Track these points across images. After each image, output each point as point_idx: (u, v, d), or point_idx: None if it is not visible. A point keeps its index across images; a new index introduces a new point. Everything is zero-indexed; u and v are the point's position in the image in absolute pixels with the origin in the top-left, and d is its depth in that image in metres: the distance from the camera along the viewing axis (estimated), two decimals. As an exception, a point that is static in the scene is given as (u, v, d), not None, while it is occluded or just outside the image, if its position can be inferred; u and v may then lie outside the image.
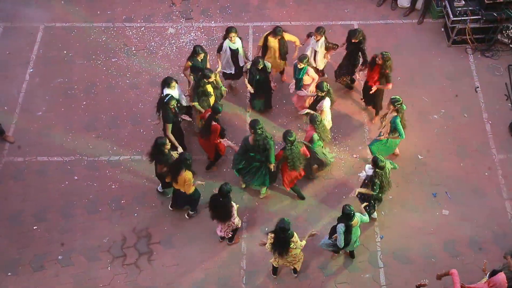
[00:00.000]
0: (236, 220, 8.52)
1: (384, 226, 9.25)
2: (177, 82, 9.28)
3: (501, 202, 9.49)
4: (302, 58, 9.34)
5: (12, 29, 11.64)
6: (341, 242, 7.97)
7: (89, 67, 11.12)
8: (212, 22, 11.78)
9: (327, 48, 9.94)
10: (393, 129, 9.00)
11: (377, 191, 8.50)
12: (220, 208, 8.25)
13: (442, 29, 11.58)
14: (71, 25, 11.73)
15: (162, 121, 9.09)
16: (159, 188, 9.50)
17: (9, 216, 9.37)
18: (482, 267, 8.09)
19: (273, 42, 9.76)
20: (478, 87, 10.79)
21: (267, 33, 9.85)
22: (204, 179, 9.07)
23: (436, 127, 10.31)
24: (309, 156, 8.92)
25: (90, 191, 9.65)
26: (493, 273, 7.28)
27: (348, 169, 9.86)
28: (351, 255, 8.87)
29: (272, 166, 8.87)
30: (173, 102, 8.86)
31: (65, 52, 11.33)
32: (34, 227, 9.28)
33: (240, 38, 9.81)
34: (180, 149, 9.16)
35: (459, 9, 10.87)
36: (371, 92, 9.70)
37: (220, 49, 9.82)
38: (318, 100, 9.27)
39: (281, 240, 7.71)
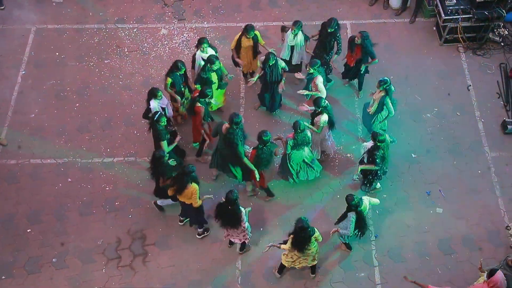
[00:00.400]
0: (246, 225, 8.34)
1: (379, 225, 9.28)
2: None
3: (494, 199, 9.55)
4: (313, 63, 9.18)
5: (4, 31, 11.57)
6: (351, 230, 8.12)
7: (81, 68, 11.09)
8: (205, 22, 11.77)
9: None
10: (381, 107, 9.30)
11: (380, 165, 8.64)
12: (229, 215, 8.10)
13: (434, 28, 11.63)
14: (63, 27, 11.68)
15: (153, 138, 8.93)
16: (160, 202, 9.25)
17: (2, 219, 9.32)
18: (477, 265, 8.10)
19: (248, 42, 9.75)
20: (470, 85, 10.85)
21: (239, 34, 9.78)
22: (211, 192, 8.95)
23: (429, 126, 10.35)
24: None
25: (84, 193, 9.62)
26: (491, 273, 7.28)
27: (342, 168, 9.87)
28: (348, 246, 8.93)
29: (245, 164, 8.83)
30: (163, 120, 8.67)
31: (57, 54, 11.28)
32: (28, 230, 9.23)
33: (213, 47, 9.74)
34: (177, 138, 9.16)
35: (450, 8, 10.92)
36: (361, 72, 10.06)
37: (194, 63, 9.62)
38: (316, 114, 9.14)
39: (302, 239, 7.74)
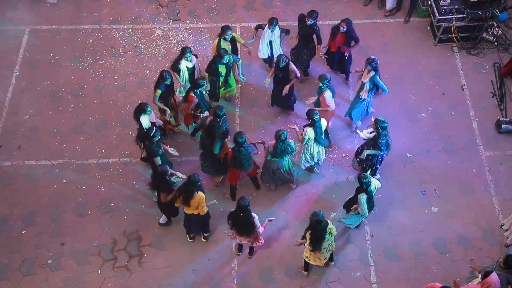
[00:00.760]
0: (261, 229, 8.24)
1: (374, 225, 9.30)
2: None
3: (489, 198, 9.59)
4: (323, 78, 9.04)
5: (-2, 32, 11.57)
6: (365, 211, 8.22)
7: (76, 69, 11.06)
8: (200, 23, 11.76)
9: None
10: (372, 88, 9.40)
11: (385, 150, 8.74)
12: (243, 223, 8.05)
13: (428, 28, 11.67)
14: (57, 27, 11.65)
15: (146, 154, 8.84)
16: (162, 220, 9.19)
17: (-3, 221, 9.31)
18: (470, 264, 8.12)
19: (227, 45, 9.73)
20: (464, 85, 10.89)
21: (217, 39, 9.72)
22: (215, 198, 8.83)
23: (424, 125, 10.39)
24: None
25: (79, 194, 9.59)
26: (486, 274, 7.30)
27: (337, 169, 9.89)
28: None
29: (220, 157, 8.98)
30: (158, 135, 8.59)
31: (51, 55, 11.25)
32: (23, 232, 9.20)
33: (195, 55, 9.71)
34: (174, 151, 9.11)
35: (444, 7, 10.95)
36: (346, 55, 10.19)
37: (176, 69, 9.53)
38: (305, 125, 9.02)
39: (319, 232, 7.80)
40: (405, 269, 8.89)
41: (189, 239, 9.08)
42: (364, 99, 9.57)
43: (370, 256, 9.04)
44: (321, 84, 9.11)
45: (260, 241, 8.48)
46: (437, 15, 10.97)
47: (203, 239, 9.07)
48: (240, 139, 8.40)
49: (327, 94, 9.17)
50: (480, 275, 7.46)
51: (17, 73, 11.00)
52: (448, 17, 10.94)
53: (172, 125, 9.89)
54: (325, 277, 8.82)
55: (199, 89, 9.17)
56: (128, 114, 10.43)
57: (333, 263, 8.85)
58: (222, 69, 9.56)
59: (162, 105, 9.40)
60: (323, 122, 8.91)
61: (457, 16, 10.92)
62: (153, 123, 9.00)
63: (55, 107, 10.57)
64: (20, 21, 11.72)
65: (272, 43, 10.10)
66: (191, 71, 9.67)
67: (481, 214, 9.42)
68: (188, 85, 9.63)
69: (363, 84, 9.42)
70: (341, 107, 10.36)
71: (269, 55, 10.36)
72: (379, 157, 8.99)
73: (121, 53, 11.30)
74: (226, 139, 8.97)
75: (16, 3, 11.97)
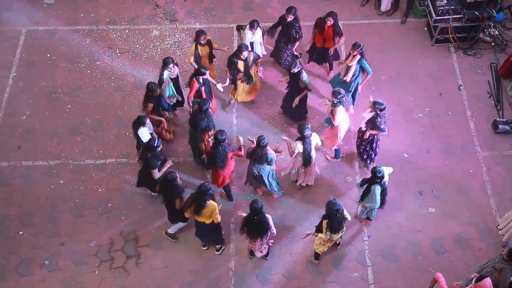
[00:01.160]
0: (274, 230, 8.20)
1: (371, 225, 9.30)
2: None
3: (486, 198, 9.60)
4: (336, 93, 8.82)
5: (-6, 33, 11.55)
6: (378, 202, 8.37)
7: (73, 70, 11.04)
8: (197, 23, 11.75)
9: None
10: (358, 72, 9.57)
11: (385, 128, 8.93)
12: (257, 226, 7.99)
13: (425, 28, 11.69)
14: (54, 28, 11.63)
15: (145, 165, 8.66)
16: (170, 230, 9.01)
17: (-6, 222, 9.29)
18: (468, 264, 8.12)
19: (204, 50, 9.70)
20: (461, 85, 10.91)
21: (194, 45, 9.64)
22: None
23: (421, 126, 10.40)
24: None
25: (76, 195, 9.58)
26: (480, 279, 7.31)
27: (335, 169, 9.89)
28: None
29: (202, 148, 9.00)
30: (160, 145, 8.55)
31: (48, 55, 11.23)
32: (20, 232, 9.18)
33: (176, 64, 9.64)
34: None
35: (441, 8, 10.97)
36: (330, 53, 10.29)
37: (161, 82, 9.42)
38: (297, 138, 8.83)
39: (338, 220, 7.89)
40: (402, 269, 8.90)
41: (203, 247, 9.02)
42: (349, 83, 9.70)
43: (368, 256, 9.04)
44: (335, 101, 8.88)
45: (271, 241, 8.46)
46: (434, 15, 10.99)
47: (216, 252, 8.98)
48: (220, 137, 8.42)
49: (339, 110, 8.91)
50: (474, 279, 7.48)
51: (14, 74, 10.98)
52: (445, 17, 10.96)
53: (165, 138, 9.77)
54: (323, 277, 8.83)
55: (202, 76, 9.22)
56: (125, 114, 10.45)
57: (338, 246, 8.99)
58: (240, 66, 9.54)
59: (154, 117, 9.28)
60: (314, 138, 8.77)
61: (454, 16, 10.94)
62: (151, 133, 8.95)
63: (52, 108, 10.55)
64: (17, 22, 11.70)
65: (254, 44, 10.05)
66: (175, 81, 9.60)
67: (478, 214, 9.43)
68: (173, 96, 9.64)
69: (348, 68, 9.55)
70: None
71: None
72: (378, 142, 9.22)
73: (118, 54, 11.29)
74: (209, 135, 8.96)
75: (13, 4, 11.95)
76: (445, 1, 11.02)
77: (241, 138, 8.89)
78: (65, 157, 9.98)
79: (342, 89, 8.96)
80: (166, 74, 9.40)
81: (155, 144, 8.44)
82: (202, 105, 8.76)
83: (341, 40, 10.20)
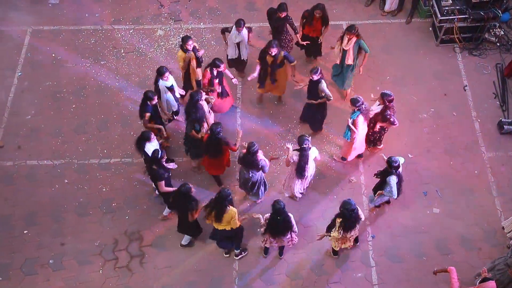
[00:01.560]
0: (296, 228, 8.21)
1: (376, 226, 9.29)
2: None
3: (491, 199, 9.57)
4: (354, 101, 8.73)
5: None
6: (395, 193, 8.40)
7: (78, 70, 11.07)
8: (201, 23, 11.76)
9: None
10: (357, 54, 9.68)
11: (393, 120, 8.98)
12: (280, 225, 8.00)
13: (430, 29, 11.66)
14: (59, 28, 11.66)
15: (152, 178, 8.67)
16: (184, 241, 9.00)
17: (-1, 221, 9.32)
18: (473, 265, 8.09)
19: (191, 55, 9.62)
20: (466, 85, 10.87)
21: (180, 51, 9.54)
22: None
23: (426, 126, 10.37)
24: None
25: (80, 195, 9.60)
26: (484, 280, 7.29)
27: (339, 169, 9.88)
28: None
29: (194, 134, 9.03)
30: (164, 155, 8.49)
31: (53, 55, 11.26)
32: (25, 231, 9.21)
33: (170, 72, 9.57)
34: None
35: (446, 8, 10.94)
36: (320, 41, 10.39)
37: (158, 93, 9.34)
38: (296, 149, 8.65)
39: (352, 219, 7.90)
40: (406, 270, 8.88)
41: (225, 254, 8.99)
42: (351, 64, 9.77)
43: (372, 257, 9.02)
44: (355, 108, 8.77)
45: (293, 241, 8.46)
46: (439, 15, 10.96)
47: (235, 257, 8.94)
48: (215, 129, 8.48)
49: (360, 119, 8.85)
50: (478, 280, 7.46)
51: (19, 74, 11.02)
52: (450, 17, 10.92)
53: (164, 143, 9.75)
54: (327, 278, 8.82)
55: (216, 69, 9.27)
56: (130, 114, 10.47)
57: (357, 243, 8.97)
58: (269, 59, 9.50)
59: (153, 125, 9.18)
60: (313, 152, 8.61)
61: (459, 16, 10.91)
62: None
63: (56, 107, 10.58)
64: (22, 22, 11.73)
65: (240, 44, 10.00)
66: (171, 89, 9.50)
67: (483, 215, 9.40)
68: (172, 104, 9.63)
69: (344, 52, 9.63)
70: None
71: (237, 56, 10.24)
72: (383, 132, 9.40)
73: (123, 54, 11.31)
74: (200, 127, 8.99)
75: (18, 4, 11.99)
76: (450, 1, 10.98)
77: (240, 132, 8.94)
78: (69, 156, 10.01)
79: (360, 97, 8.78)
80: (160, 83, 9.30)
81: (159, 156, 8.33)
82: (193, 95, 8.80)
83: (326, 29, 10.26)
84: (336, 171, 9.86)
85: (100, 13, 11.89)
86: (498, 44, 11.30)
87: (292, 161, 8.59)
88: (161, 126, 9.34)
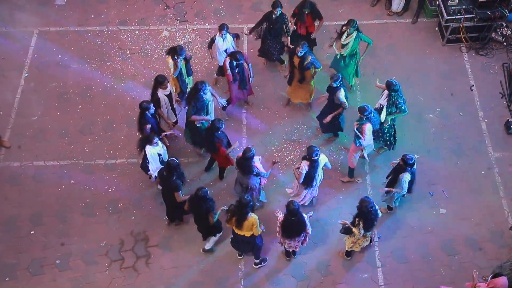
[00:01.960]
0: (310, 229, 8.18)
1: (382, 226, 9.25)
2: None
3: (498, 200, 9.52)
4: (363, 110, 8.59)
5: (6, 34, 11.61)
6: (405, 189, 8.41)
7: (84, 71, 11.11)
8: (207, 24, 11.77)
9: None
10: (357, 48, 9.81)
11: (405, 106, 9.02)
12: (295, 226, 7.98)
13: (436, 28, 11.61)
14: (65, 29, 11.71)
15: (166, 189, 8.52)
16: (207, 246, 8.93)
17: (6, 221, 9.34)
18: (479, 266, 8.06)
19: (183, 62, 9.62)
20: (473, 85, 10.82)
21: (169, 58, 9.47)
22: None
23: (432, 126, 10.33)
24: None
25: (86, 195, 9.63)
26: (496, 276, 7.26)
27: (346, 170, 9.86)
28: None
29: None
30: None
31: (59, 56, 11.30)
32: (32, 232, 9.25)
33: (168, 81, 9.56)
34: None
35: (452, 8, 10.89)
36: (313, 36, 10.43)
37: (157, 102, 9.29)
38: (303, 157, 8.60)
39: (372, 217, 7.89)
40: (412, 271, 8.85)
41: (239, 256, 9.00)
42: (353, 57, 9.93)
43: (378, 257, 9.00)
44: (362, 116, 8.68)
45: (305, 242, 8.45)
46: (445, 15, 10.91)
47: (254, 266, 8.90)
48: (216, 124, 8.58)
49: (368, 127, 8.75)
50: (490, 276, 7.43)
51: (26, 75, 11.06)
52: (456, 17, 10.88)
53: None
54: (333, 278, 8.80)
55: (236, 61, 9.35)
56: (136, 115, 10.33)
57: (371, 242, 8.97)
58: (295, 60, 9.52)
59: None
60: (323, 159, 8.52)
61: (465, 16, 10.86)
62: (159, 155, 8.76)
63: (63, 108, 10.62)
64: (29, 23, 11.79)
65: (228, 51, 9.88)
66: (169, 97, 9.48)
67: (490, 216, 9.35)
68: (171, 112, 9.66)
69: (344, 45, 9.76)
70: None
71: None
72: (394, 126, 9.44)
73: (129, 55, 11.34)
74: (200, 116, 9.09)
75: (24, 5, 12.04)
76: (457, 1, 10.94)
77: (236, 143, 9.11)
78: (76, 157, 10.04)
79: (368, 105, 8.67)
80: (160, 92, 9.23)
81: (176, 163, 8.25)
82: (197, 84, 8.87)
83: (321, 23, 10.30)
84: (342, 172, 9.83)
85: (106, 14, 11.92)
86: (505, 43, 11.24)
87: (303, 172, 8.48)
88: (162, 137, 9.04)
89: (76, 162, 9.99)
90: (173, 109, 9.79)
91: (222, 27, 9.66)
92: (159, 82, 9.16)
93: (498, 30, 11.18)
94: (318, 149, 8.32)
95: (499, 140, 10.15)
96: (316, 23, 10.40)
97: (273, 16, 9.97)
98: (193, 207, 8.22)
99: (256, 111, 10.55)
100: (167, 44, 11.41)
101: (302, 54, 9.34)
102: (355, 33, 9.58)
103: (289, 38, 10.39)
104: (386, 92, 9.09)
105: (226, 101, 9.88)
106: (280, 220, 8.05)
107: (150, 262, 9.00)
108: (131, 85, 10.92)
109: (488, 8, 10.81)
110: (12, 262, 8.96)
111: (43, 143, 10.19)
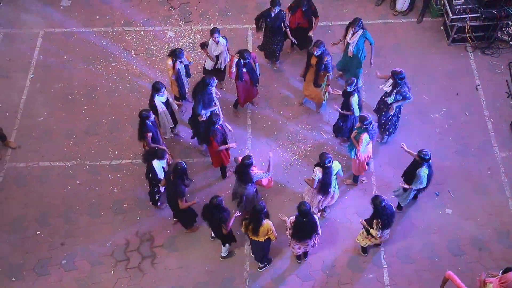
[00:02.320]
0: (320, 230, 8.19)
1: (387, 226, 9.24)
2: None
3: (504, 200, 9.47)
4: (363, 119, 8.54)
5: (12, 35, 11.66)
6: (424, 183, 8.45)
7: (89, 71, 11.14)
8: (211, 24, 11.77)
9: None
10: (363, 46, 9.86)
11: (410, 93, 9.16)
12: (307, 227, 7.97)
13: (442, 28, 11.58)
14: (71, 30, 11.75)
15: (171, 195, 8.50)
16: (223, 253, 8.95)
17: (12, 222, 9.38)
18: (486, 266, 8.04)
19: (181, 65, 9.61)
20: (478, 85, 10.78)
21: (169, 60, 9.51)
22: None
23: (438, 126, 10.30)
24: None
25: (92, 196, 9.66)
26: (506, 270, 7.25)
27: (351, 171, 9.84)
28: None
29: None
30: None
31: (65, 57, 11.34)
32: (38, 232, 9.28)
33: (165, 88, 9.52)
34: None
35: (458, 7, 10.86)
36: (311, 33, 10.51)
37: (154, 109, 9.19)
38: (315, 164, 8.51)
39: (387, 215, 7.91)
40: (418, 271, 8.83)
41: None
42: (357, 58, 9.97)
43: (383, 258, 8.98)
44: (361, 126, 8.64)
45: (316, 244, 8.45)
46: (451, 14, 10.88)
47: (259, 269, 8.89)
48: (214, 119, 8.62)
49: (365, 137, 8.63)
50: (501, 271, 7.42)
51: (31, 76, 11.11)
52: (462, 16, 10.85)
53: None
54: (338, 279, 8.79)
55: (244, 60, 9.36)
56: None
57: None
58: (313, 60, 9.50)
59: (159, 147, 8.88)
60: (336, 166, 8.43)
61: (471, 15, 10.83)
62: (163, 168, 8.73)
63: (68, 109, 10.66)
64: (34, 24, 11.83)
65: (219, 56, 9.90)
66: (166, 103, 9.41)
67: (496, 216, 9.31)
68: (168, 120, 9.62)
69: (348, 44, 9.80)
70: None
71: (213, 67, 10.16)
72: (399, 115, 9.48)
73: (134, 55, 11.37)
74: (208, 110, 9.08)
75: (30, 7, 12.09)
76: (462, 0, 10.90)
77: (234, 144, 9.14)
78: (81, 157, 10.07)
79: (369, 116, 8.61)
80: (156, 99, 9.15)
81: (184, 168, 8.24)
82: (206, 78, 8.92)
83: (316, 21, 10.40)
84: (346, 173, 9.81)
85: (111, 15, 11.95)
86: (511, 42, 11.19)
87: (317, 178, 8.39)
88: (162, 147, 8.97)
89: (82, 162, 10.02)
90: (173, 116, 9.71)
91: (214, 31, 9.58)
92: (156, 89, 9.07)
93: (504, 29, 11.13)
94: (331, 156, 8.23)
95: (505, 140, 10.10)
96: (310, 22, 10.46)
97: (272, 14, 9.97)
98: (207, 215, 8.20)
99: (260, 111, 10.55)
100: (172, 45, 11.43)
101: (319, 53, 9.30)
102: (360, 31, 9.60)
103: (288, 30, 10.37)
104: (390, 80, 9.15)
105: (235, 101, 9.94)
106: (291, 222, 8.02)
107: (155, 263, 9.01)
108: (136, 85, 10.94)
109: (493, 7, 10.77)
110: (18, 263, 9.00)
111: (48, 144, 10.23)
